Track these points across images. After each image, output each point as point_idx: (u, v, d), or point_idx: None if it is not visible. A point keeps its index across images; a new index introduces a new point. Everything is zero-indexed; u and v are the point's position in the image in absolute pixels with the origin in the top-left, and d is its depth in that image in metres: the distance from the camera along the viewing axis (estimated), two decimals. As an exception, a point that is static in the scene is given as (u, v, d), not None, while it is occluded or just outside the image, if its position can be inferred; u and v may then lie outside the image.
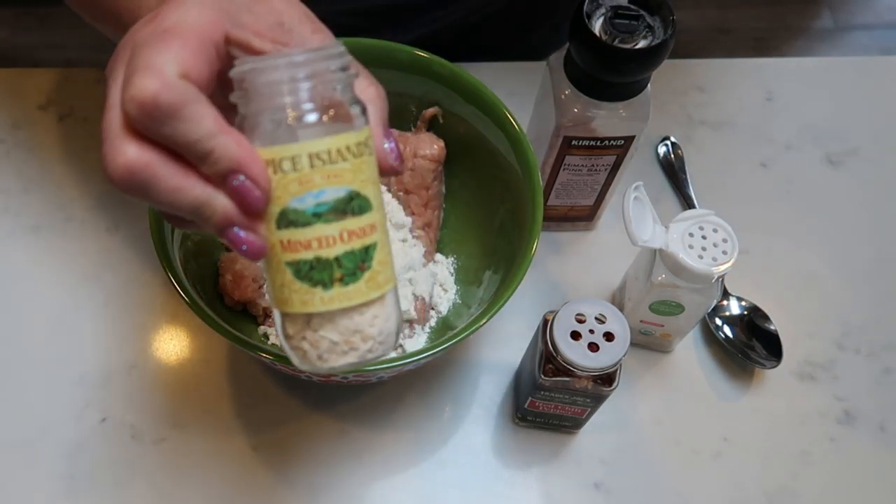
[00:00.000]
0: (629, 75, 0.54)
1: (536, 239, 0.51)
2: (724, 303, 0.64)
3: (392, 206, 0.61)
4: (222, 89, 0.35)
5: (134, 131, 0.33)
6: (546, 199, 0.64)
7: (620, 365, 0.51)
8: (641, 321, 0.59)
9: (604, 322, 0.51)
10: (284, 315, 0.37)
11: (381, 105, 0.39)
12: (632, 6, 0.53)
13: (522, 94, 0.67)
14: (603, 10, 0.53)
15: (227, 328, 0.49)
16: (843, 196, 0.72)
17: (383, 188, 0.62)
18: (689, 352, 0.63)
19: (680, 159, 0.71)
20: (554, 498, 0.58)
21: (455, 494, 0.57)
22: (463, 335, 0.49)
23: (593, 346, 0.50)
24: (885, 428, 0.61)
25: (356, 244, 0.35)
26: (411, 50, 0.58)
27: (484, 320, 0.49)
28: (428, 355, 0.48)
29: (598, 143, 0.58)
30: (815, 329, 0.65)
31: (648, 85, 0.56)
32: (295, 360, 0.38)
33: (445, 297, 0.61)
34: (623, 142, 0.58)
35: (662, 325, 0.59)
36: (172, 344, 0.62)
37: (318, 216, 0.34)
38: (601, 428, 0.59)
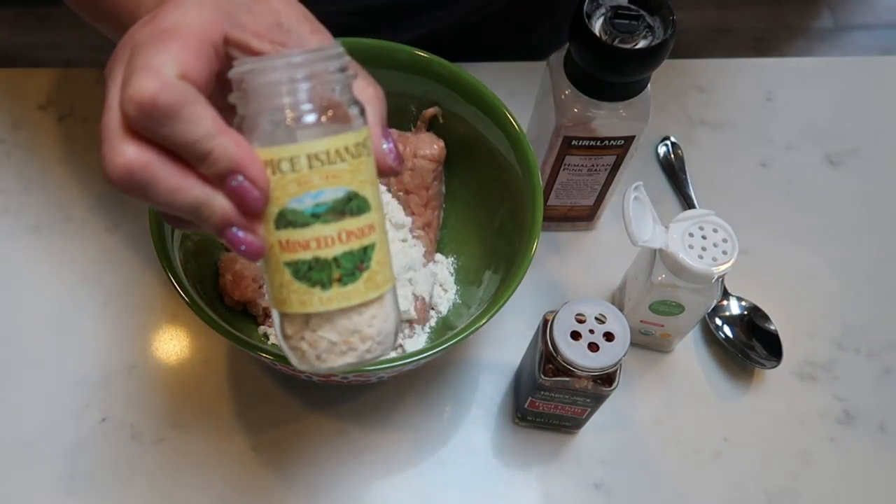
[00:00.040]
0: (629, 75, 0.54)
1: (536, 239, 0.51)
2: (724, 303, 0.64)
3: (392, 206, 0.61)
4: (221, 90, 0.35)
5: (133, 132, 0.33)
6: (546, 199, 0.64)
7: (620, 365, 0.51)
8: (641, 321, 0.59)
9: (604, 322, 0.51)
10: (283, 315, 0.37)
11: (380, 106, 0.39)
12: (632, 6, 0.53)
13: (522, 94, 0.67)
14: (603, 10, 0.53)
15: (227, 328, 0.49)
16: (843, 196, 0.72)
17: (383, 188, 0.62)
18: (689, 352, 0.63)
19: (680, 159, 0.71)
20: (554, 498, 0.58)
21: (455, 494, 0.57)
22: (463, 335, 0.49)
23: (593, 346, 0.50)
24: (885, 428, 0.61)
25: (354, 244, 0.35)
26: (411, 50, 0.58)
27: (484, 320, 0.49)
28: (428, 355, 0.48)
29: (598, 143, 0.58)
30: (815, 329, 0.65)
31: (648, 85, 0.56)
32: (293, 360, 0.38)
33: (445, 297, 0.61)
34: (623, 142, 0.58)
35: (662, 325, 0.59)
36: (172, 344, 0.62)
37: (316, 217, 0.34)
38: (601, 428, 0.59)
